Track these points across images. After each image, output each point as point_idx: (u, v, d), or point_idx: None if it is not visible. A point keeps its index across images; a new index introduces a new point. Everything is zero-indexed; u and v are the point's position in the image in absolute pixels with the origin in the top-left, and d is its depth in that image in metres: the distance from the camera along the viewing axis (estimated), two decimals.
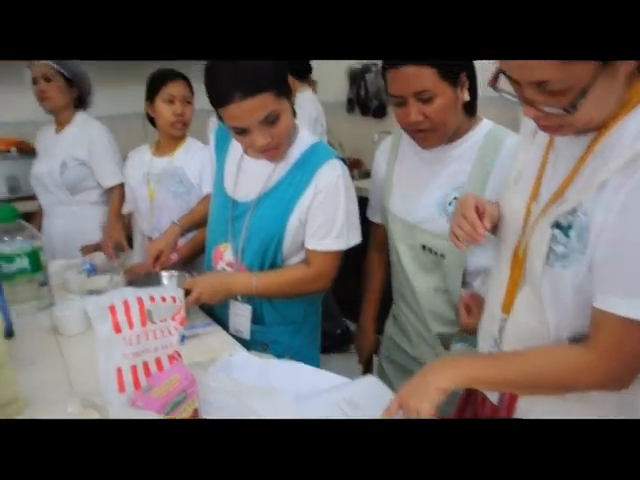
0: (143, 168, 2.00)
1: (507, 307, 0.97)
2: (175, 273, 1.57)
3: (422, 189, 1.35)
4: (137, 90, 2.17)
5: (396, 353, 1.53)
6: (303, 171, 1.35)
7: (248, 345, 1.39)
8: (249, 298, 1.43)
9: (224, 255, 1.45)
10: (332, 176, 1.34)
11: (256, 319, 1.45)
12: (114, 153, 2.33)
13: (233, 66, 1.18)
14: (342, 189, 1.35)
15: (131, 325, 0.88)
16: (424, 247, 1.34)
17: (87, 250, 2.09)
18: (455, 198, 1.27)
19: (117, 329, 0.88)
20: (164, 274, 1.57)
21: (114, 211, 2.26)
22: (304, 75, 3.16)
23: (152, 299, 0.91)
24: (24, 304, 1.53)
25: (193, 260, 1.78)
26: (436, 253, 1.32)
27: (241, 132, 1.25)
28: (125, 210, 2.20)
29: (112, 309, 0.87)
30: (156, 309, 0.92)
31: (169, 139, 1.98)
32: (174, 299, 0.95)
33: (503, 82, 0.85)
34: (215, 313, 1.53)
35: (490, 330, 1.02)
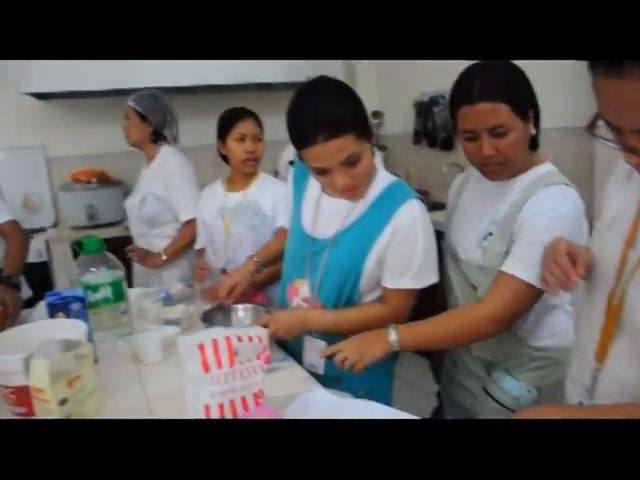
0: (217, 203, 2.05)
1: (601, 356, 0.94)
2: (249, 306, 1.60)
3: (472, 220, 1.39)
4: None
5: (448, 375, 1.60)
6: (382, 210, 1.36)
7: (322, 380, 1.39)
8: (324, 334, 1.44)
9: (300, 291, 1.47)
10: (411, 216, 1.35)
11: (330, 355, 1.45)
12: (191, 188, 2.37)
13: (316, 109, 1.21)
14: (421, 229, 1.35)
15: (219, 365, 0.90)
16: (464, 276, 1.39)
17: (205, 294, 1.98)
18: (490, 234, 1.31)
19: (206, 368, 0.89)
20: (239, 307, 1.60)
21: (186, 242, 2.32)
22: None
23: (239, 339, 0.93)
24: (106, 332, 1.59)
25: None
26: (472, 284, 1.36)
27: (322, 172, 1.27)
28: (198, 246, 2.21)
29: (201, 348, 0.89)
30: (243, 348, 0.93)
31: (242, 175, 2.03)
32: (260, 339, 0.97)
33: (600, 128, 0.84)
34: (289, 347, 1.54)
35: (581, 379, 0.99)
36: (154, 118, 2.39)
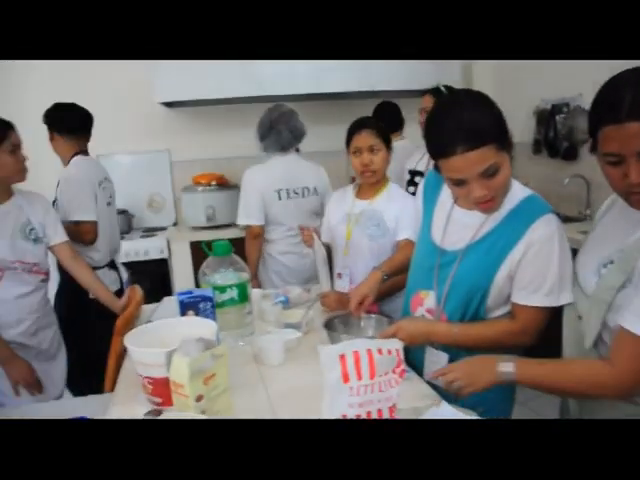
0: (345, 208, 2.07)
1: None
2: (372, 316, 1.59)
3: (599, 243, 1.25)
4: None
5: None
6: (516, 224, 1.31)
7: (440, 393, 1.35)
8: (446, 346, 1.40)
9: (425, 301, 1.44)
10: (547, 231, 1.28)
11: None
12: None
13: (457, 119, 1.18)
14: (557, 245, 1.28)
15: (359, 376, 0.90)
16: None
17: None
18: (611, 262, 1.15)
19: (345, 378, 0.89)
20: (362, 316, 1.60)
21: None
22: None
23: (380, 351, 0.92)
24: (230, 331, 1.64)
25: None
26: (577, 314, 1.24)
27: (459, 183, 1.24)
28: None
29: (342, 358, 0.89)
30: (381, 361, 0.92)
31: (368, 185, 2.03)
32: (398, 352, 0.95)
33: None
34: (408, 357, 1.52)
35: None
36: (259, 134, 2.67)
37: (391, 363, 0.95)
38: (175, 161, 4.12)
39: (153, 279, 3.41)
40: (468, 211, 1.38)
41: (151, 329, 1.39)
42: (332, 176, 3.69)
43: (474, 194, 1.23)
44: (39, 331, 2.02)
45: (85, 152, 2.68)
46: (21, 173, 1.93)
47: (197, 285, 3.35)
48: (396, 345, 0.96)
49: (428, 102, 2.68)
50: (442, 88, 2.67)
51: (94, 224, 2.54)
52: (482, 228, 1.35)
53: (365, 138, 1.96)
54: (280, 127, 2.61)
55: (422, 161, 2.96)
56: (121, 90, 3.86)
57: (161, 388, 1.25)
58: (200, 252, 3.40)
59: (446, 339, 1.37)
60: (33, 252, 1.96)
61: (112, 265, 2.75)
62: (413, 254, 1.54)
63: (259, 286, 2.60)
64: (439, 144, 1.22)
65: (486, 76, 4.22)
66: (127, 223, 3.86)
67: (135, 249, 3.59)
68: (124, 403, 1.37)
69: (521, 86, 3.86)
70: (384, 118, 2.90)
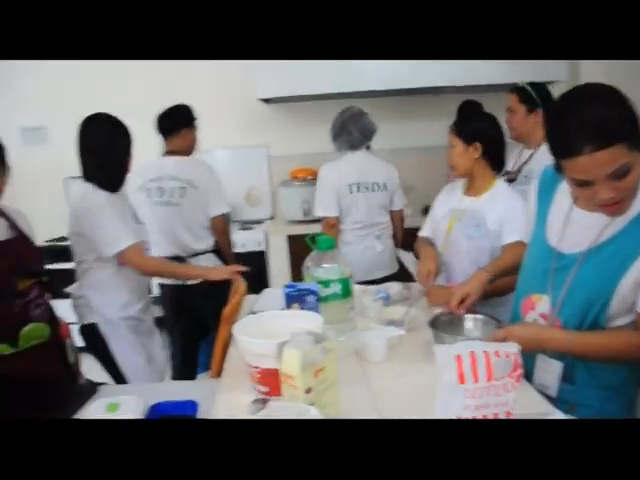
0: (451, 203, 2.04)
1: None
2: (480, 317, 1.55)
3: None
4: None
5: None
6: None
7: (554, 402, 1.29)
8: (560, 355, 1.34)
9: (537, 306, 1.38)
10: None
11: (565, 377, 1.35)
12: None
13: (583, 116, 1.11)
14: None
15: (476, 378, 0.88)
16: None
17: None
18: None
19: (461, 379, 0.88)
20: (468, 317, 1.57)
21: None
22: None
23: (497, 354, 0.90)
24: (332, 326, 1.66)
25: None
26: None
27: (583, 184, 1.17)
28: (422, 233, 2.25)
29: (459, 359, 0.88)
30: (498, 364, 0.90)
31: (475, 182, 1.99)
32: (515, 356, 0.92)
33: None
34: None
35: None
36: (333, 134, 2.85)
37: (508, 367, 0.92)
38: (273, 156, 4.22)
39: (250, 271, 3.52)
40: (589, 212, 1.30)
41: (258, 320, 1.44)
42: (431, 172, 3.69)
43: (601, 196, 1.15)
44: (149, 306, 2.17)
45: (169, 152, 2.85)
46: None
47: (293, 278, 3.45)
48: (513, 349, 0.93)
49: (514, 102, 2.55)
50: (528, 87, 2.53)
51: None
52: (606, 231, 1.27)
53: (451, 139, 1.98)
54: (350, 127, 2.80)
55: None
56: (222, 88, 4.01)
57: (269, 378, 1.28)
58: (296, 245, 3.51)
59: (561, 347, 1.30)
60: (144, 233, 2.10)
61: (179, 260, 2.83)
62: (525, 256, 1.48)
63: None
64: (563, 143, 1.15)
65: (596, 76, 3.98)
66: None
67: (233, 241, 3.70)
68: (231, 390, 1.43)
69: (636, 87, 3.61)
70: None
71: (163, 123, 2.84)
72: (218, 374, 1.73)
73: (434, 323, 1.53)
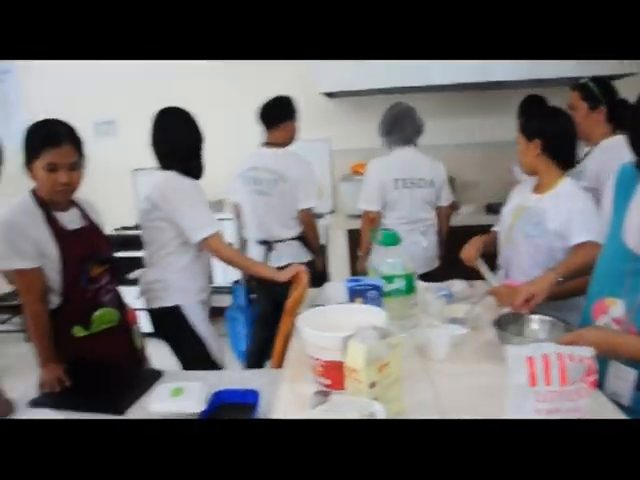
0: (518, 200, 1.99)
1: None
2: (546, 319, 1.50)
3: None
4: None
5: None
6: None
7: (627, 412, 1.24)
8: (635, 362, 1.28)
9: (610, 310, 1.33)
10: None
11: None
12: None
13: None
14: None
15: (548, 381, 0.85)
16: None
17: None
18: None
19: (532, 382, 0.86)
20: (534, 317, 1.52)
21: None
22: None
23: (571, 358, 0.87)
24: (393, 322, 1.65)
25: None
26: None
27: None
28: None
29: (530, 361, 0.86)
30: (572, 369, 0.87)
31: (540, 179, 1.93)
32: (590, 360, 0.89)
33: None
34: None
35: None
36: (382, 129, 2.95)
37: (581, 372, 0.89)
38: (334, 150, 4.22)
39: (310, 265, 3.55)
40: None
41: (322, 313, 1.44)
42: (495, 169, 3.61)
43: None
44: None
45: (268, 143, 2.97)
46: (57, 194, 1.76)
47: (352, 272, 3.45)
48: (588, 353, 0.90)
49: (575, 99, 2.42)
50: (590, 84, 2.41)
51: None
52: None
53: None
54: (403, 123, 2.85)
55: None
56: (285, 82, 4.02)
57: (332, 371, 1.29)
58: (356, 240, 3.50)
59: (637, 354, 1.24)
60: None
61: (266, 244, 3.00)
62: (599, 256, 1.42)
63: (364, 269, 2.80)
64: None
65: None
66: None
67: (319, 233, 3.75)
68: (293, 380, 1.44)
69: None
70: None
71: (265, 115, 2.93)
72: (279, 365, 1.76)
73: (499, 323, 1.50)
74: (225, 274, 3.71)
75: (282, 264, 2.79)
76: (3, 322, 4.64)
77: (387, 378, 1.14)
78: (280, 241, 2.97)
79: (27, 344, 4.54)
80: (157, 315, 2.18)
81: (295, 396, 1.35)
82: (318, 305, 1.75)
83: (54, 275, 1.75)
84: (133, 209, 4.50)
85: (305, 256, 2.98)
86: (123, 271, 2.01)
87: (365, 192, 2.90)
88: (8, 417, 1.54)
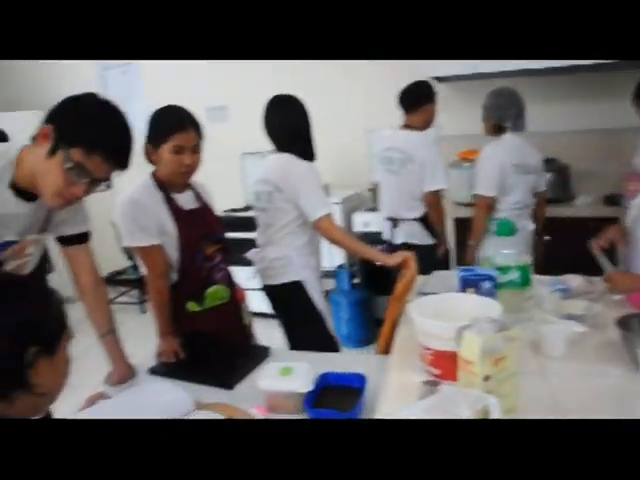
0: None
1: None
2: None
3: None
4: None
5: None
6: None
7: None
8: None
9: None
10: None
11: None
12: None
13: None
14: None
15: None
16: None
17: None
18: None
19: None
20: None
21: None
22: None
23: None
24: (506, 315, 1.59)
25: None
26: None
27: None
28: None
29: None
30: None
31: None
32: None
33: None
34: None
35: None
36: (494, 115, 2.84)
37: None
38: (444, 136, 4.12)
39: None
40: None
41: (433, 301, 1.42)
42: (615, 157, 3.38)
43: None
44: None
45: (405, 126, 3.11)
46: (180, 175, 1.84)
47: (458, 261, 3.38)
48: None
49: None
50: None
51: None
52: None
53: None
54: (515, 109, 2.81)
55: None
56: (394, 65, 3.98)
57: (442, 360, 1.27)
58: (463, 228, 3.41)
59: None
60: None
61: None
62: None
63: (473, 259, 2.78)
64: None
65: None
66: None
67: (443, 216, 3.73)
68: (400, 368, 1.43)
69: None
70: None
71: (404, 99, 3.06)
72: (384, 351, 1.75)
73: (623, 323, 1.40)
74: (330, 258, 3.75)
75: (399, 242, 3.06)
76: (122, 294, 5.00)
77: (502, 372, 1.10)
78: (404, 220, 3.09)
79: (142, 315, 4.89)
80: (279, 291, 2.29)
81: (402, 384, 1.34)
82: (426, 293, 1.73)
83: (173, 253, 1.84)
84: (241, 192, 4.66)
85: (427, 239, 3.08)
86: (232, 251, 2.09)
87: (483, 177, 2.84)
88: (129, 381, 1.65)
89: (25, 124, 2.08)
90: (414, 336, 1.38)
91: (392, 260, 1.95)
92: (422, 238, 3.08)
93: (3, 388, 0.93)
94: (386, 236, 3.21)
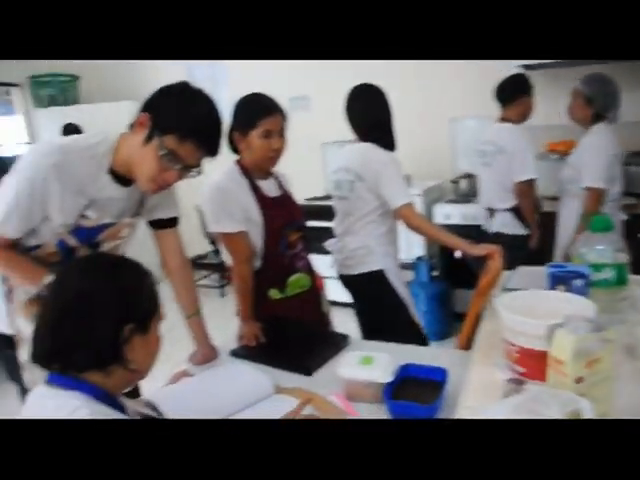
0: None
1: None
2: None
3: None
4: None
5: None
6: None
7: None
8: None
9: None
10: None
11: None
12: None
13: None
14: None
15: None
16: None
17: None
18: None
19: None
20: None
21: None
22: None
23: None
24: (599, 315, 1.51)
25: None
26: None
27: None
28: None
29: None
30: None
31: None
32: None
33: None
34: None
35: None
36: (598, 104, 2.74)
37: None
38: (532, 126, 3.95)
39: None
40: None
41: (522, 296, 1.37)
42: None
43: None
44: None
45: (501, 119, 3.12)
46: (268, 160, 1.89)
47: (544, 257, 3.25)
48: None
49: None
50: None
51: None
52: None
53: None
54: (618, 97, 2.77)
55: None
56: None
57: (528, 359, 1.22)
58: (548, 223, 3.29)
59: None
60: None
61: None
62: None
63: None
64: None
65: None
66: (475, 187, 3.90)
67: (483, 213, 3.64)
68: (483, 364, 1.39)
69: None
70: None
71: (500, 92, 3.09)
72: (465, 346, 1.72)
73: None
74: (409, 249, 3.72)
75: (492, 231, 3.17)
76: (204, 277, 5.18)
77: (596, 375, 1.05)
78: (498, 210, 3.15)
79: (222, 299, 5.05)
80: (360, 280, 2.30)
81: (485, 381, 1.31)
82: (510, 289, 1.68)
83: (257, 240, 1.88)
84: (322, 181, 4.69)
85: (519, 229, 3.07)
86: (312, 239, 2.12)
87: (594, 168, 2.74)
88: (212, 362, 1.71)
89: (122, 113, 2.19)
90: (498, 332, 1.34)
91: (477, 250, 1.90)
92: (513, 228, 3.08)
93: (102, 360, 0.99)
94: (484, 226, 3.31)
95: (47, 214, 1.42)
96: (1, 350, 1.67)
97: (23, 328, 1.54)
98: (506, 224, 3.11)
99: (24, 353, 1.55)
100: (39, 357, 1.01)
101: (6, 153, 5.34)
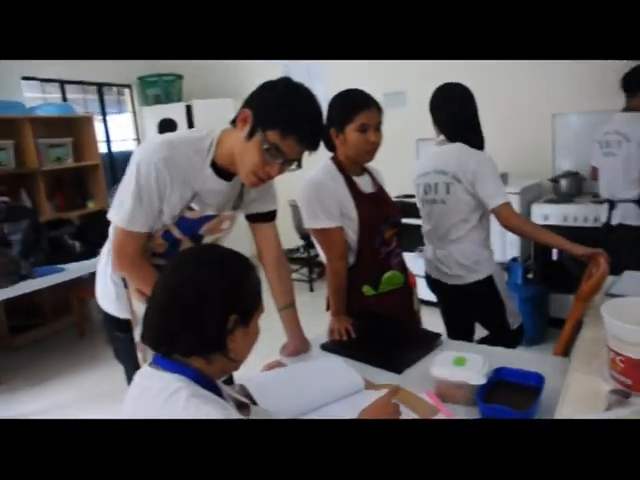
0: None
1: None
2: None
3: None
4: None
5: None
6: None
7: None
8: None
9: None
10: None
11: None
12: None
13: None
14: None
15: None
16: None
17: None
18: None
19: None
20: None
21: None
22: None
23: None
24: None
25: None
26: None
27: None
28: None
29: None
30: None
31: None
32: None
33: None
34: None
35: None
36: None
37: None
38: None
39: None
40: None
41: (629, 304, 1.30)
42: None
43: None
44: None
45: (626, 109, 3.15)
46: (365, 154, 1.90)
47: None
48: None
49: None
50: None
51: None
52: None
53: None
54: None
55: None
56: None
57: (635, 370, 1.16)
58: None
59: None
60: None
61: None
62: None
63: None
64: None
65: None
66: (577, 186, 3.74)
67: (584, 214, 3.51)
68: (583, 372, 1.34)
69: None
70: None
71: (625, 82, 3.11)
72: (563, 353, 1.65)
73: None
74: (503, 251, 3.61)
75: (615, 223, 3.14)
76: (294, 272, 5.29)
77: None
78: (621, 201, 3.12)
79: (311, 293, 5.12)
80: (472, 289, 2.22)
81: (585, 390, 1.25)
82: (614, 295, 1.60)
83: (352, 235, 1.90)
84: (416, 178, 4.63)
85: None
86: (405, 237, 2.10)
87: None
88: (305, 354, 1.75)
89: (221, 111, 2.28)
90: (600, 340, 1.28)
91: (581, 250, 1.82)
92: (637, 219, 3.04)
93: (206, 347, 1.05)
94: (603, 218, 3.28)
95: (162, 207, 1.51)
96: (111, 331, 1.79)
97: (138, 310, 1.63)
98: (629, 215, 3.08)
99: (137, 334, 1.64)
100: (148, 339, 1.09)
101: (119, 148, 5.82)
